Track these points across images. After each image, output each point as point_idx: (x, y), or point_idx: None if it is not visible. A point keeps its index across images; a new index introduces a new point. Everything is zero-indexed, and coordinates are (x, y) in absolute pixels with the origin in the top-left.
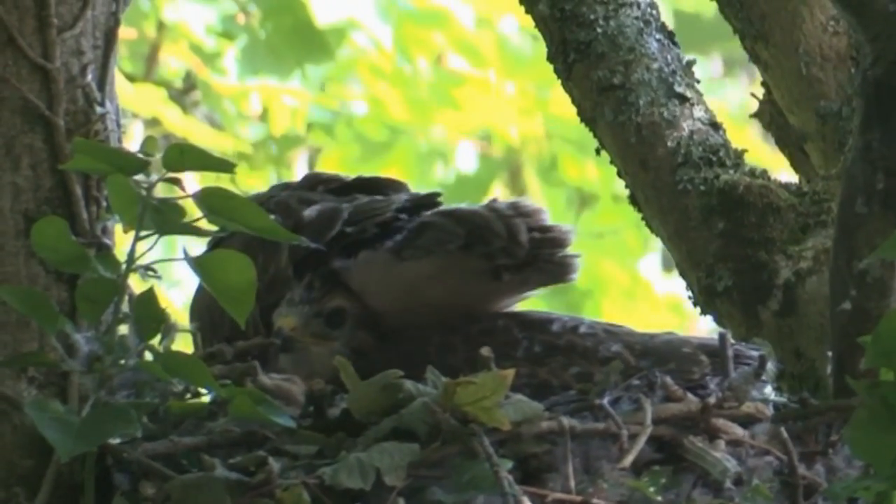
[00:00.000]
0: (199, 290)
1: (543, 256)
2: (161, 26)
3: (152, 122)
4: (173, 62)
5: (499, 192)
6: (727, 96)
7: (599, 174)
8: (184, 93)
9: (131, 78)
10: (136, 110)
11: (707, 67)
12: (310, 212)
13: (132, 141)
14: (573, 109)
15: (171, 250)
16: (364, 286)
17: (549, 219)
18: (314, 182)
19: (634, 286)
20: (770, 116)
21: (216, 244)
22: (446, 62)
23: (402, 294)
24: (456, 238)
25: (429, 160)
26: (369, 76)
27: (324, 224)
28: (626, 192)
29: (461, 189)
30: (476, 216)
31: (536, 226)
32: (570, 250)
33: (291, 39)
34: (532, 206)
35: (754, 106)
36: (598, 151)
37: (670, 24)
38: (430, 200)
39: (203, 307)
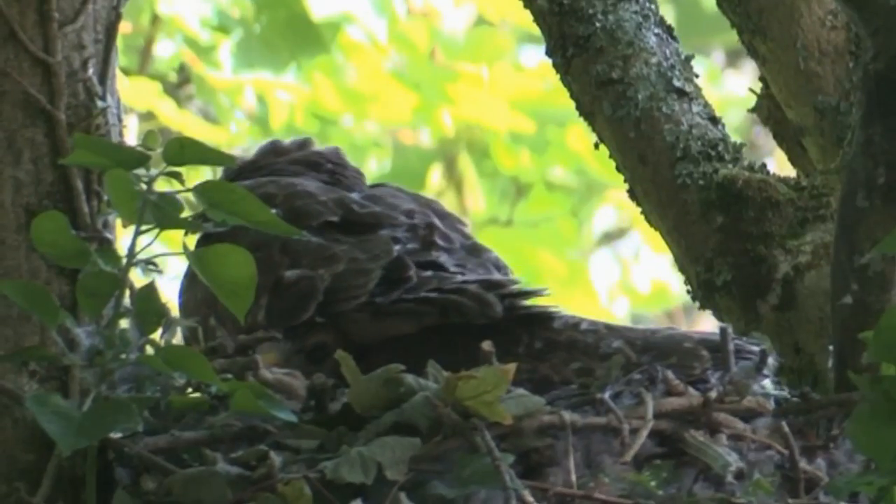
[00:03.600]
0: (183, 293)
1: (521, 310)
2: (155, 19)
3: (147, 116)
4: (167, 55)
5: (436, 178)
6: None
7: (533, 162)
8: (178, 86)
9: (126, 71)
10: (131, 104)
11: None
12: (290, 275)
13: (128, 135)
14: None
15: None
16: (348, 334)
17: (521, 284)
18: (302, 215)
19: (572, 275)
20: (768, 111)
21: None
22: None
23: (387, 337)
24: (431, 314)
25: (362, 152)
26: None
27: (299, 304)
28: (546, 179)
29: (397, 181)
30: (447, 301)
31: (509, 293)
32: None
33: (286, 33)
34: (503, 279)
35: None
36: (596, 146)
37: (671, 16)
38: (403, 274)
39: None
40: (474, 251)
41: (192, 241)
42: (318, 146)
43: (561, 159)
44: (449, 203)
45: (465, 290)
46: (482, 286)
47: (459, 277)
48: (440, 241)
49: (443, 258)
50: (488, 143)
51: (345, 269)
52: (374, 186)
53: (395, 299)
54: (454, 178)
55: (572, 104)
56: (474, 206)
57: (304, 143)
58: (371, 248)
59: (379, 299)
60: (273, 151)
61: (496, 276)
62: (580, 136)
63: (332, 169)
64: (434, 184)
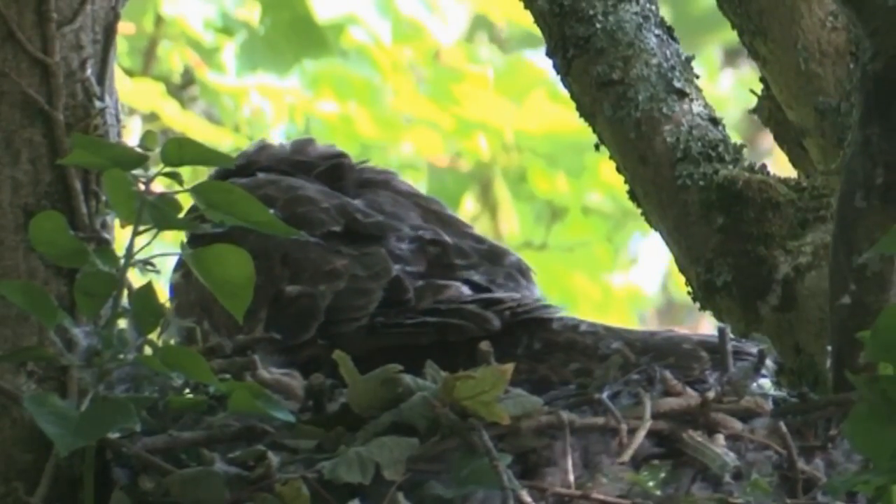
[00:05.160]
0: (175, 297)
1: (522, 315)
2: (159, 21)
3: (150, 117)
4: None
5: (470, 206)
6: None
7: (570, 187)
8: (182, 87)
9: (130, 73)
10: (135, 105)
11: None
12: (291, 290)
13: (131, 136)
14: (542, 122)
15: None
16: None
17: (522, 297)
18: (303, 223)
19: (606, 299)
20: (769, 112)
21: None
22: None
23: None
24: (431, 335)
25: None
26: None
27: (300, 323)
28: (582, 204)
29: None
30: (447, 325)
31: (508, 307)
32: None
33: (289, 35)
34: (503, 296)
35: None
36: (597, 147)
37: (666, 15)
38: (402, 297)
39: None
40: (494, 258)
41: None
42: (320, 145)
43: (598, 184)
44: (483, 227)
45: (462, 311)
46: (480, 305)
47: (455, 290)
48: (458, 261)
49: (474, 278)
50: (525, 167)
51: (346, 287)
52: (367, 173)
53: (393, 323)
54: (489, 203)
55: None
56: (509, 230)
57: (302, 145)
58: (371, 264)
59: (378, 319)
60: (266, 149)
61: (500, 293)
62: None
63: (327, 169)
64: (469, 209)
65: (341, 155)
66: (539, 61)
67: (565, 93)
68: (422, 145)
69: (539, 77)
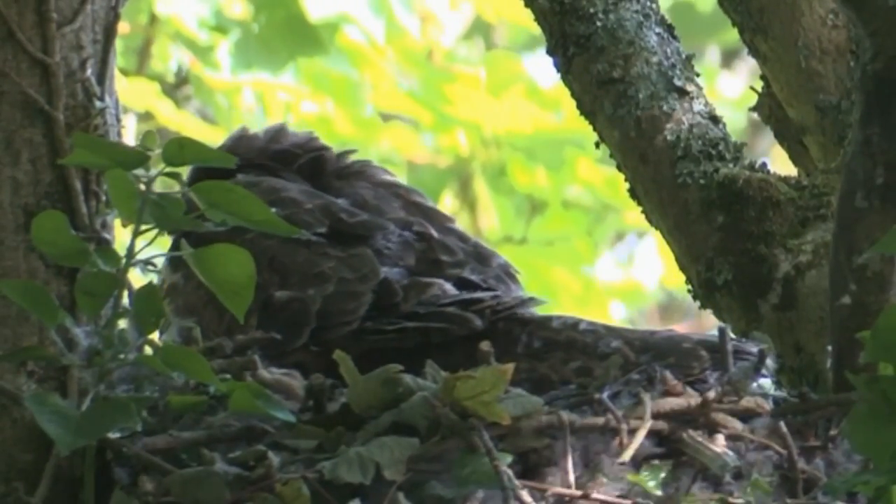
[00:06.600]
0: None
1: (504, 312)
2: (154, 20)
3: (145, 117)
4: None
5: (449, 202)
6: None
7: (549, 181)
8: (176, 87)
9: (124, 72)
10: (130, 104)
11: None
12: (280, 296)
13: (126, 135)
14: (521, 117)
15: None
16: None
17: (503, 297)
18: (301, 223)
19: (586, 293)
20: (769, 109)
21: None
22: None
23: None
24: (414, 339)
25: None
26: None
27: (292, 330)
28: (562, 198)
29: None
30: (431, 330)
31: (488, 305)
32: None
33: (284, 33)
34: (482, 296)
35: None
36: (597, 145)
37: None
38: (392, 300)
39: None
40: (481, 259)
41: (166, 242)
42: (292, 131)
43: (577, 178)
44: (462, 223)
45: (442, 314)
46: (460, 306)
47: (438, 288)
48: (444, 257)
49: (470, 276)
50: (505, 161)
51: (335, 290)
52: (348, 161)
53: (374, 329)
54: (468, 199)
55: (588, 127)
56: (489, 225)
57: (276, 134)
58: (359, 266)
59: (367, 324)
60: (244, 139)
61: (478, 293)
62: (591, 165)
63: (308, 162)
64: (447, 205)
65: (320, 145)
66: (518, 57)
67: (543, 88)
68: (400, 142)
69: (518, 72)
